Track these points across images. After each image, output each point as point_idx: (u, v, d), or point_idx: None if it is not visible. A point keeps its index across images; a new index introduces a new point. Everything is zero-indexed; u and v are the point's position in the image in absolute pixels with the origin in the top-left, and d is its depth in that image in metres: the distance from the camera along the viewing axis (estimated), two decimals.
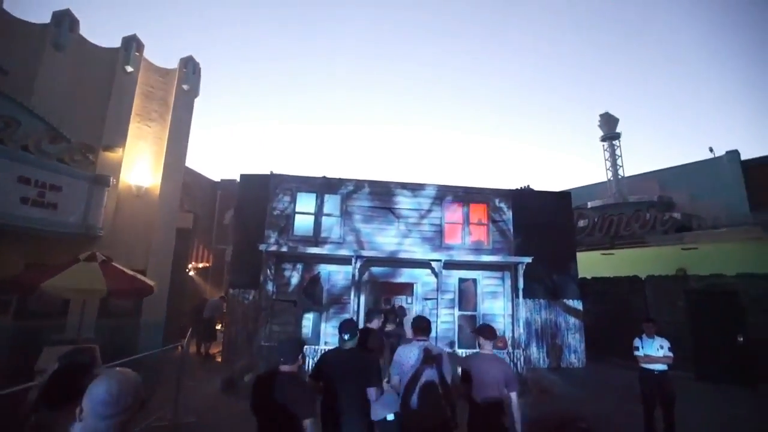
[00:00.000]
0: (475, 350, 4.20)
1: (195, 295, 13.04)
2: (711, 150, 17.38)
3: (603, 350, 10.89)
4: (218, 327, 11.40)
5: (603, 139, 20.68)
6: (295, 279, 9.20)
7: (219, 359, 10.11)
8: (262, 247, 8.27)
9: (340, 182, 9.86)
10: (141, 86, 10.29)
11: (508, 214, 10.12)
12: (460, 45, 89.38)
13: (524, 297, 10.69)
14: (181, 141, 10.90)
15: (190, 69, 11.17)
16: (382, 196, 9.85)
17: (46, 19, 8.89)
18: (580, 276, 12.67)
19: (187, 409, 5.61)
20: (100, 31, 9.96)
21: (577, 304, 11.05)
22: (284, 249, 8.46)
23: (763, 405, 7.31)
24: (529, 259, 8.72)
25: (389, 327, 5.75)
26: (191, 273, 13.60)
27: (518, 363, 8.43)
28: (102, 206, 8.45)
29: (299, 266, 9.21)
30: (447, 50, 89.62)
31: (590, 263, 14.01)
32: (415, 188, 9.98)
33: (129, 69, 9.95)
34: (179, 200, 10.78)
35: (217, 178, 17.24)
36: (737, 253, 11.10)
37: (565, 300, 11.04)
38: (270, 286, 9.01)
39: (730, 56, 71.08)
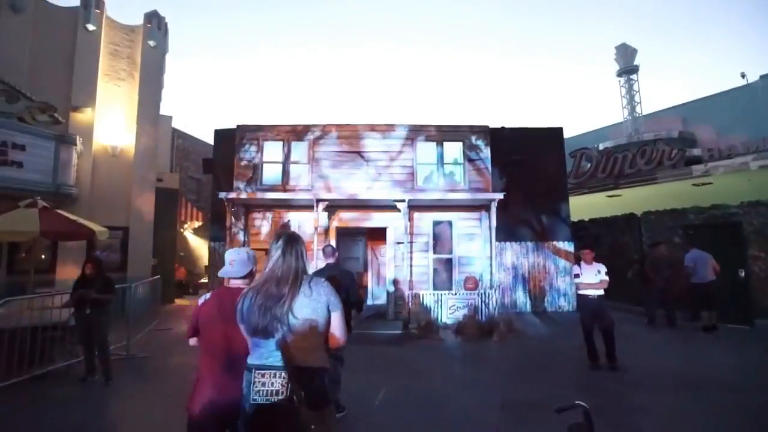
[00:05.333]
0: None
1: (189, 251, 13.54)
2: (743, 76, 15.38)
3: None
4: None
5: (619, 74, 18.75)
6: (265, 228, 9.20)
7: None
8: (221, 195, 8.23)
9: (307, 128, 9.52)
10: (106, 45, 10.18)
11: (486, 152, 9.45)
12: None
13: (510, 240, 10.26)
14: (153, 99, 10.84)
15: (155, 24, 10.89)
16: (350, 140, 9.44)
17: None
18: (579, 219, 11.97)
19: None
20: None
21: (569, 246, 10.43)
22: (243, 196, 8.38)
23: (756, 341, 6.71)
24: (500, 195, 8.17)
25: None
26: (185, 232, 14.02)
27: (489, 304, 8.13)
28: (71, 165, 8.61)
29: (269, 215, 9.17)
30: None
31: (595, 206, 13.15)
32: (384, 130, 9.48)
33: (91, 28, 9.80)
34: (154, 157, 10.87)
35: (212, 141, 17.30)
36: (747, 183, 9.96)
37: (555, 242, 10.45)
38: (241, 236, 9.08)
39: None
